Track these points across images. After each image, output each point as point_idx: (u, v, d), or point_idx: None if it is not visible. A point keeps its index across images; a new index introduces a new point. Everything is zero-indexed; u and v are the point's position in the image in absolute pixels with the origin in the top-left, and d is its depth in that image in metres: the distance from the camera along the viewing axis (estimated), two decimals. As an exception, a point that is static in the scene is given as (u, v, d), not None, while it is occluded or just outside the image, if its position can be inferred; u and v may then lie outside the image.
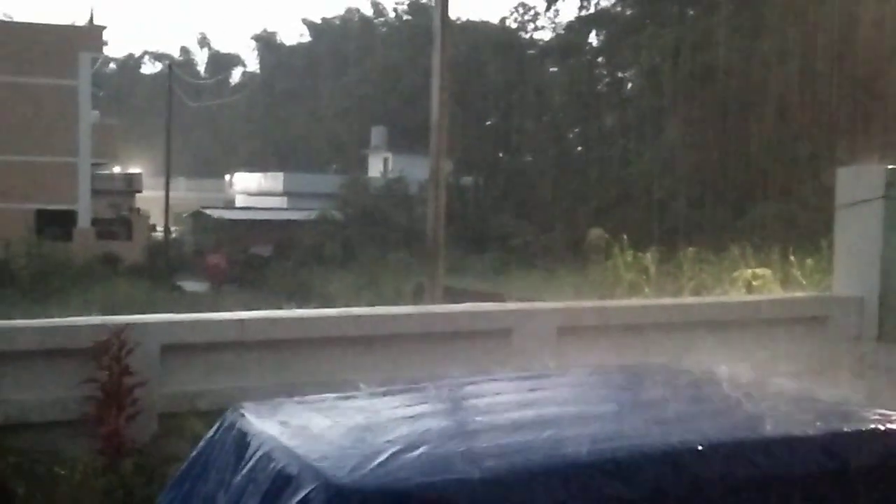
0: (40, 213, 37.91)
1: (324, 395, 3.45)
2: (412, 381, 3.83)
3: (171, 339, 5.63)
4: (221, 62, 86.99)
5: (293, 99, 74.49)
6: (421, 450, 2.61)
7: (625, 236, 16.74)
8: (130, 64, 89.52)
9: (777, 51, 30.74)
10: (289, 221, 45.93)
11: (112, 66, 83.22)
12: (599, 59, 53.00)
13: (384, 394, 3.46)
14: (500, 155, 55.86)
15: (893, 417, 2.99)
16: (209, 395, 5.38)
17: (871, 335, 7.20)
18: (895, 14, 22.10)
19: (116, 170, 50.49)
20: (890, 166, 7.32)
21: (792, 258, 12.20)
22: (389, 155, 55.71)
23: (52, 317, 6.28)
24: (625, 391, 3.49)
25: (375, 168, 55.87)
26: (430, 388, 3.60)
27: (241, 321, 5.89)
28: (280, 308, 7.56)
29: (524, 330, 6.38)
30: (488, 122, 58.07)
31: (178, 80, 51.65)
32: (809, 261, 11.69)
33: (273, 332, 5.97)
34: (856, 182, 7.42)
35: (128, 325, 5.39)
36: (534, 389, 3.47)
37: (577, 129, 53.83)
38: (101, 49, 43.31)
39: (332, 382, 4.72)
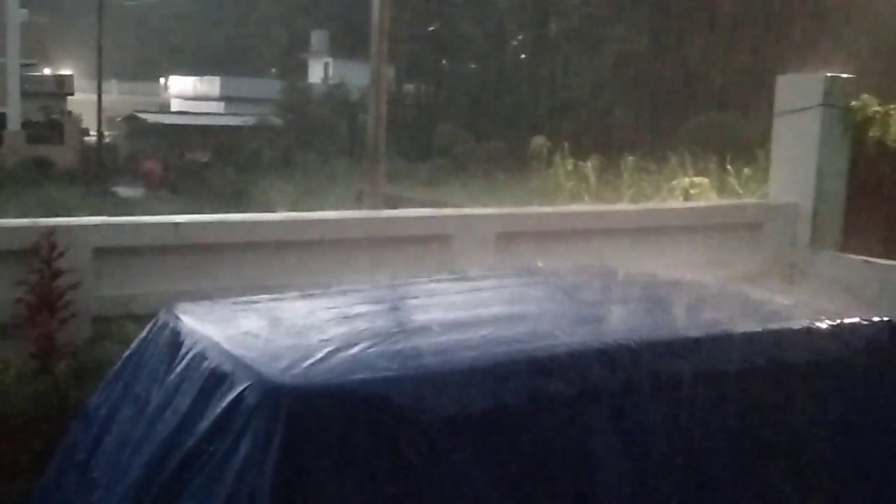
0: (-34, 116, 36.66)
1: (259, 297, 3.40)
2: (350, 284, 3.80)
3: (104, 241, 5.50)
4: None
5: (230, 1, 72.36)
6: (356, 348, 2.59)
7: (566, 145, 16.77)
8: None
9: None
10: (226, 127, 45.10)
11: (39, -38, 79.70)
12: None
13: (321, 295, 3.42)
14: (444, 62, 55.18)
15: (822, 316, 3.05)
16: (144, 299, 5.28)
17: (805, 242, 7.33)
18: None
19: (47, 71, 48.80)
20: (829, 74, 7.36)
21: (729, 167, 12.35)
22: (330, 60, 54.69)
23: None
24: (561, 291, 3.51)
25: (316, 73, 54.86)
26: (367, 289, 3.58)
27: (176, 224, 5.77)
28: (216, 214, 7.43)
29: (464, 236, 6.37)
30: (431, 28, 57.16)
31: (109, -22, 49.68)
32: (746, 170, 11.84)
33: (209, 235, 5.87)
34: (794, 90, 7.45)
35: (58, 228, 5.25)
36: (471, 290, 3.47)
37: (521, 37, 53.31)
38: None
39: (269, 287, 4.66)
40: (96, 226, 5.70)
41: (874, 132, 7.35)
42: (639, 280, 3.62)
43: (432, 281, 3.71)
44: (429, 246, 6.34)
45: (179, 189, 35.16)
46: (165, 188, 35.74)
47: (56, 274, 5.17)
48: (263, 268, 5.76)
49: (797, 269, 7.17)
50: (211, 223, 6.08)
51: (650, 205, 9.58)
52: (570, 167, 16.39)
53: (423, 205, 18.37)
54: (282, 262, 5.88)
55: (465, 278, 3.76)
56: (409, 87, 49.95)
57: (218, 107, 52.11)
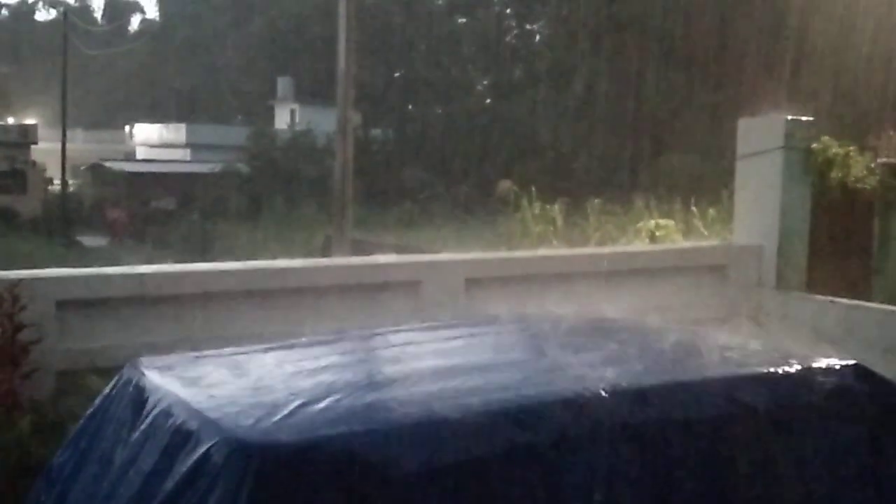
0: (-72, 166, 36.26)
1: (225, 349, 3.36)
2: (317, 334, 3.77)
3: (67, 294, 5.43)
4: (119, 9, 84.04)
5: (195, 48, 72.50)
6: (325, 402, 2.56)
7: (533, 188, 16.89)
8: (24, 10, 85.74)
9: (681, 3, 31.12)
10: (192, 174, 44.88)
11: (4, 12, 79.61)
12: (508, 11, 52.99)
13: (287, 347, 3.39)
14: (410, 107, 55.56)
15: (788, 360, 3.06)
16: (109, 352, 5.20)
17: (770, 283, 7.40)
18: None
19: (11, 121, 48.47)
20: (789, 117, 7.48)
21: (694, 209, 12.48)
22: (296, 106, 54.80)
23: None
24: (530, 339, 3.50)
25: (282, 120, 54.91)
26: (334, 340, 3.55)
27: (141, 275, 5.72)
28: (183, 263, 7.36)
29: (432, 282, 6.36)
30: (397, 74, 57.59)
31: (74, 28, 49.73)
32: (711, 211, 11.98)
33: (174, 286, 5.80)
34: (756, 133, 7.56)
35: (21, 281, 5.18)
36: (439, 340, 3.46)
37: (486, 82, 53.87)
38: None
39: (236, 338, 4.62)
40: (59, 278, 5.63)
41: (835, 174, 7.47)
42: (607, 326, 3.62)
43: (400, 331, 3.69)
44: (397, 293, 6.33)
45: (145, 237, 34.89)
46: (131, 237, 35.44)
47: (18, 327, 5.09)
48: (230, 318, 5.70)
49: (763, 310, 7.22)
50: (176, 274, 6.02)
51: (616, 248, 9.63)
52: (536, 210, 16.48)
53: (390, 250, 18.35)
54: (249, 311, 5.83)
55: (433, 327, 3.75)
56: (376, 132, 50.12)
57: (184, 154, 51.93)
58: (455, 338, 3.49)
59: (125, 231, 36.40)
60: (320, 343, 3.48)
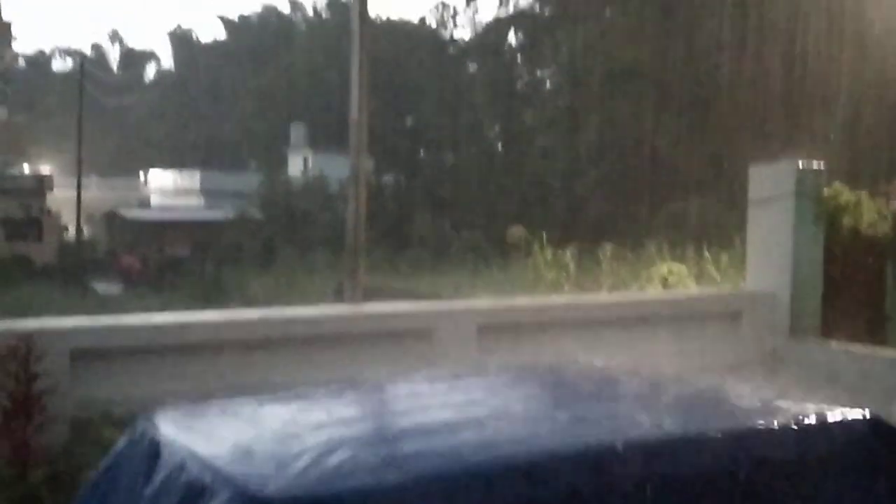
0: (-55, 214, 36.61)
1: (238, 400, 3.36)
2: (331, 383, 3.77)
3: (82, 343, 5.46)
4: (135, 59, 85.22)
5: (209, 96, 73.35)
6: (339, 456, 2.55)
7: (545, 233, 16.90)
8: (41, 61, 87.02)
9: (692, 49, 31.36)
10: (206, 221, 45.15)
11: (21, 62, 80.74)
12: (518, 58, 53.44)
13: (301, 397, 3.39)
14: (422, 153, 55.92)
15: (802, 411, 3.04)
16: (123, 402, 5.21)
17: (784, 329, 7.36)
18: (810, 14, 22.71)
19: (26, 169, 48.97)
20: (800, 164, 7.50)
21: (706, 254, 12.46)
22: (309, 153, 55.21)
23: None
24: (542, 391, 3.49)
25: (295, 166, 55.30)
26: (348, 390, 3.55)
27: (155, 325, 5.74)
28: (195, 311, 7.40)
29: (445, 329, 6.36)
30: (409, 120, 58.06)
31: (90, 77, 50.39)
32: (724, 256, 11.95)
33: (188, 335, 5.83)
34: (767, 179, 7.58)
35: (36, 331, 5.21)
36: (452, 391, 3.45)
37: (497, 127, 54.18)
38: (9, 45, 42.00)
39: (249, 387, 4.62)
40: (73, 328, 5.66)
41: (847, 220, 7.47)
42: (621, 376, 3.61)
43: (413, 381, 3.68)
44: (410, 340, 6.33)
45: (158, 285, 34.98)
46: (144, 284, 35.54)
47: (32, 378, 5.10)
48: (243, 367, 5.71)
49: (777, 357, 7.18)
50: (189, 323, 6.04)
51: (629, 295, 9.62)
52: (548, 256, 16.47)
53: (403, 296, 18.34)
54: (262, 360, 5.84)
55: (446, 377, 3.74)
56: (389, 178, 50.39)
57: (198, 200, 52.28)
58: (468, 388, 3.49)
59: (139, 278, 36.52)
60: (334, 394, 3.48)
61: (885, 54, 20.50)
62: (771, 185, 7.44)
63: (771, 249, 7.50)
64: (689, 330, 7.05)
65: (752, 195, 7.65)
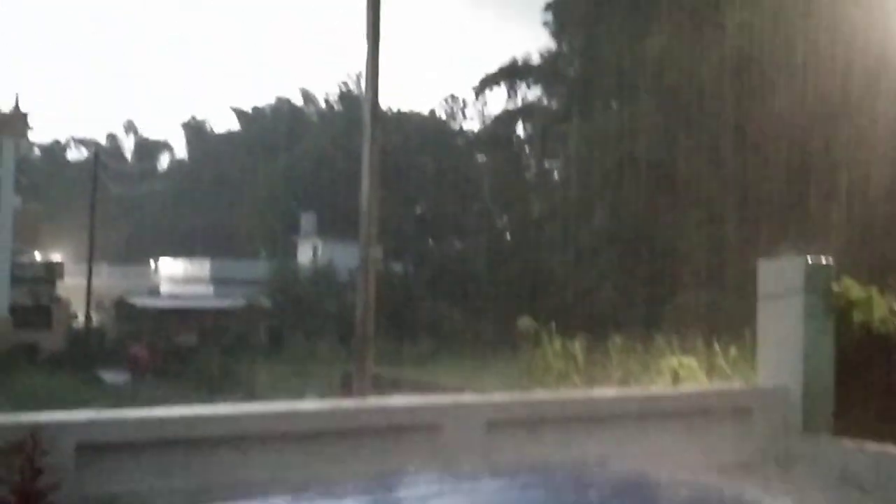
0: (-45, 302, 36.79)
1: (239, 502, 3.32)
2: (336, 482, 3.72)
3: (87, 437, 5.42)
4: (149, 149, 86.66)
5: (222, 186, 74.27)
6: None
7: (553, 324, 16.85)
8: (56, 150, 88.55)
9: (698, 141, 31.74)
10: (215, 309, 45.25)
11: (37, 151, 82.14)
12: (527, 149, 54.15)
13: (309, 499, 3.35)
14: (431, 242, 56.26)
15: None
16: (129, 497, 5.17)
17: (796, 426, 7.28)
18: (820, 108, 23.03)
19: (38, 257, 49.39)
20: (808, 259, 7.51)
21: (716, 347, 12.39)
22: (319, 241, 55.60)
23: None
24: (552, 495, 3.44)
25: (305, 255, 55.64)
26: (351, 491, 3.50)
27: (161, 419, 5.71)
28: (203, 401, 7.38)
29: (454, 425, 6.30)
30: (418, 210, 58.58)
31: (103, 167, 51.15)
32: (733, 349, 11.87)
33: (194, 429, 5.78)
34: (776, 274, 7.58)
35: (42, 424, 5.18)
36: (461, 492, 3.40)
37: (505, 217, 54.59)
38: (25, 134, 42.77)
39: (254, 484, 4.58)
40: (79, 421, 5.62)
41: (858, 316, 7.44)
42: (632, 481, 3.56)
43: (421, 481, 3.64)
44: (418, 435, 6.27)
45: (166, 374, 34.91)
46: (152, 373, 35.46)
47: (37, 472, 5.05)
48: (249, 462, 5.65)
49: (790, 455, 7.08)
50: (196, 417, 6.00)
51: (640, 391, 9.55)
52: (557, 347, 16.40)
53: (412, 386, 18.23)
54: (268, 454, 5.78)
55: (454, 478, 3.70)
56: (398, 266, 50.61)
57: (207, 289, 52.48)
58: (476, 491, 3.44)
59: (146, 367, 36.44)
60: (335, 496, 3.43)
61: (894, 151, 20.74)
62: (780, 281, 7.45)
63: (782, 344, 7.47)
64: (699, 426, 6.97)
65: (761, 290, 7.65)
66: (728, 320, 15.39)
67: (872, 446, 6.79)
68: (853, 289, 7.50)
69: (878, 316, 7.47)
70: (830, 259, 7.75)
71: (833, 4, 20.10)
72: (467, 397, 7.79)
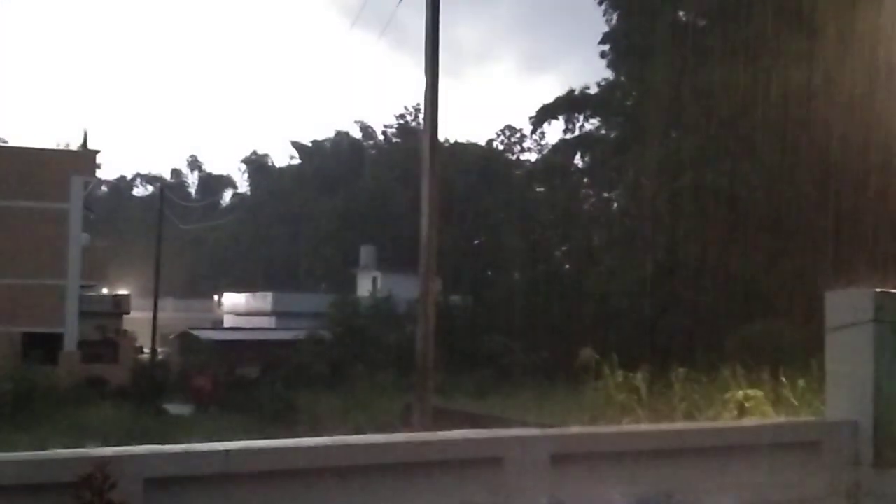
0: (27, 336, 37.70)
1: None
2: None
3: (155, 471, 5.49)
4: (212, 184, 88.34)
5: (283, 219, 75.32)
6: None
7: (615, 355, 16.71)
8: (122, 186, 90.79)
9: (761, 170, 31.36)
10: (277, 341, 45.73)
11: (104, 188, 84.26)
12: (585, 180, 54.00)
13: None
14: (490, 274, 56.23)
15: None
16: (195, 530, 5.22)
17: (867, 460, 7.09)
18: (884, 136, 22.64)
19: (105, 291, 50.51)
20: (878, 290, 7.36)
21: (783, 378, 12.18)
22: (378, 274, 55.99)
23: (33, 444, 6.15)
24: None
25: (364, 287, 56.02)
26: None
27: (226, 451, 5.76)
28: (265, 433, 7.44)
29: (516, 458, 6.25)
30: (476, 241, 58.69)
31: (168, 202, 52.22)
32: (801, 381, 11.66)
33: (258, 462, 5.83)
34: (845, 305, 7.43)
35: (111, 458, 5.26)
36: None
37: (564, 248, 54.40)
38: (93, 172, 43.96)
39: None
40: (147, 455, 5.70)
41: (929, 347, 7.25)
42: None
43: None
44: (479, 468, 6.23)
45: (229, 406, 35.31)
46: (215, 405, 35.88)
47: (107, 505, 5.13)
48: (314, 496, 5.68)
49: (862, 489, 6.90)
50: (259, 450, 6.05)
51: (707, 424, 9.40)
52: (619, 379, 16.25)
53: (471, 418, 18.15)
54: (331, 488, 5.80)
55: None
56: (456, 298, 50.64)
57: (269, 322, 53.11)
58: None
59: (210, 399, 36.90)
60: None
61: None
62: (849, 312, 7.29)
63: (851, 376, 7.30)
64: (768, 460, 6.82)
65: (829, 322, 7.50)
66: (794, 352, 15.12)
67: (948, 481, 6.60)
68: (924, 319, 7.31)
69: (950, 347, 7.27)
70: (901, 289, 7.58)
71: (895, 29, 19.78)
72: (529, 430, 7.73)
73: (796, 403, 10.99)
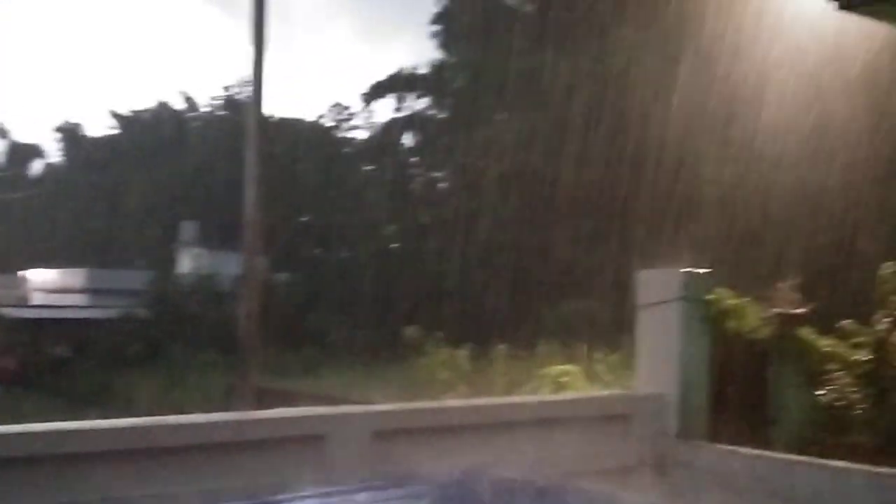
0: None
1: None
2: (217, 497, 3.62)
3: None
4: (20, 153, 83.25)
5: (98, 192, 71.91)
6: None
7: (440, 333, 16.93)
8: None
9: (581, 154, 32.43)
10: (90, 320, 43.74)
11: None
12: (414, 159, 54.32)
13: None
14: (317, 251, 55.75)
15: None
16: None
17: (673, 432, 7.48)
18: (698, 122, 23.81)
19: None
20: (685, 269, 7.75)
21: (597, 355, 12.69)
22: (200, 250, 54.44)
23: None
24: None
25: (186, 265, 54.36)
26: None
27: (29, 434, 5.45)
28: (76, 415, 7.07)
29: (338, 435, 6.23)
30: (304, 219, 58.02)
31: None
32: (614, 357, 12.18)
33: (64, 445, 5.55)
34: (654, 284, 7.79)
35: None
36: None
37: (393, 227, 54.55)
38: None
39: (133, 499, 4.41)
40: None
41: (731, 324, 7.71)
42: (518, 487, 3.58)
43: (305, 494, 3.56)
44: (301, 447, 6.17)
45: (35, 386, 33.53)
46: (21, 386, 34.02)
47: None
48: (127, 478, 5.45)
49: (667, 459, 7.27)
50: (67, 432, 5.74)
51: (523, 398, 9.66)
52: (444, 356, 16.49)
53: (295, 397, 17.93)
54: (147, 470, 5.59)
55: (338, 493, 3.63)
56: (282, 276, 49.89)
57: (82, 299, 50.68)
58: (361, 501, 3.40)
59: (14, 379, 34.97)
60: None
61: (768, 171, 21.62)
62: (658, 290, 7.65)
63: (659, 352, 7.67)
64: (580, 432, 7.08)
65: (640, 299, 7.84)
66: (609, 329, 15.77)
67: (746, 450, 7.03)
68: (727, 297, 7.76)
69: (750, 324, 7.76)
70: (707, 269, 8.01)
71: (715, 22, 20.80)
72: (351, 407, 7.72)
73: (609, 378, 11.47)
